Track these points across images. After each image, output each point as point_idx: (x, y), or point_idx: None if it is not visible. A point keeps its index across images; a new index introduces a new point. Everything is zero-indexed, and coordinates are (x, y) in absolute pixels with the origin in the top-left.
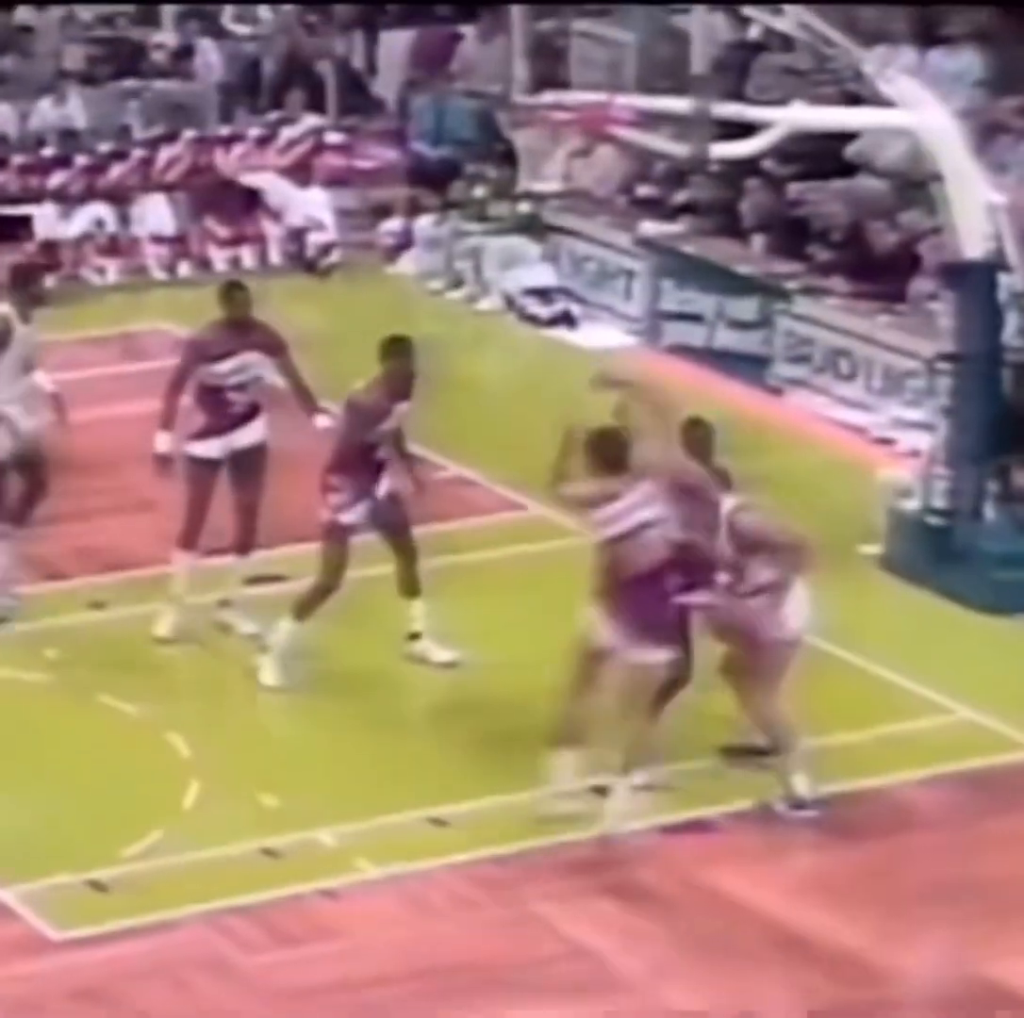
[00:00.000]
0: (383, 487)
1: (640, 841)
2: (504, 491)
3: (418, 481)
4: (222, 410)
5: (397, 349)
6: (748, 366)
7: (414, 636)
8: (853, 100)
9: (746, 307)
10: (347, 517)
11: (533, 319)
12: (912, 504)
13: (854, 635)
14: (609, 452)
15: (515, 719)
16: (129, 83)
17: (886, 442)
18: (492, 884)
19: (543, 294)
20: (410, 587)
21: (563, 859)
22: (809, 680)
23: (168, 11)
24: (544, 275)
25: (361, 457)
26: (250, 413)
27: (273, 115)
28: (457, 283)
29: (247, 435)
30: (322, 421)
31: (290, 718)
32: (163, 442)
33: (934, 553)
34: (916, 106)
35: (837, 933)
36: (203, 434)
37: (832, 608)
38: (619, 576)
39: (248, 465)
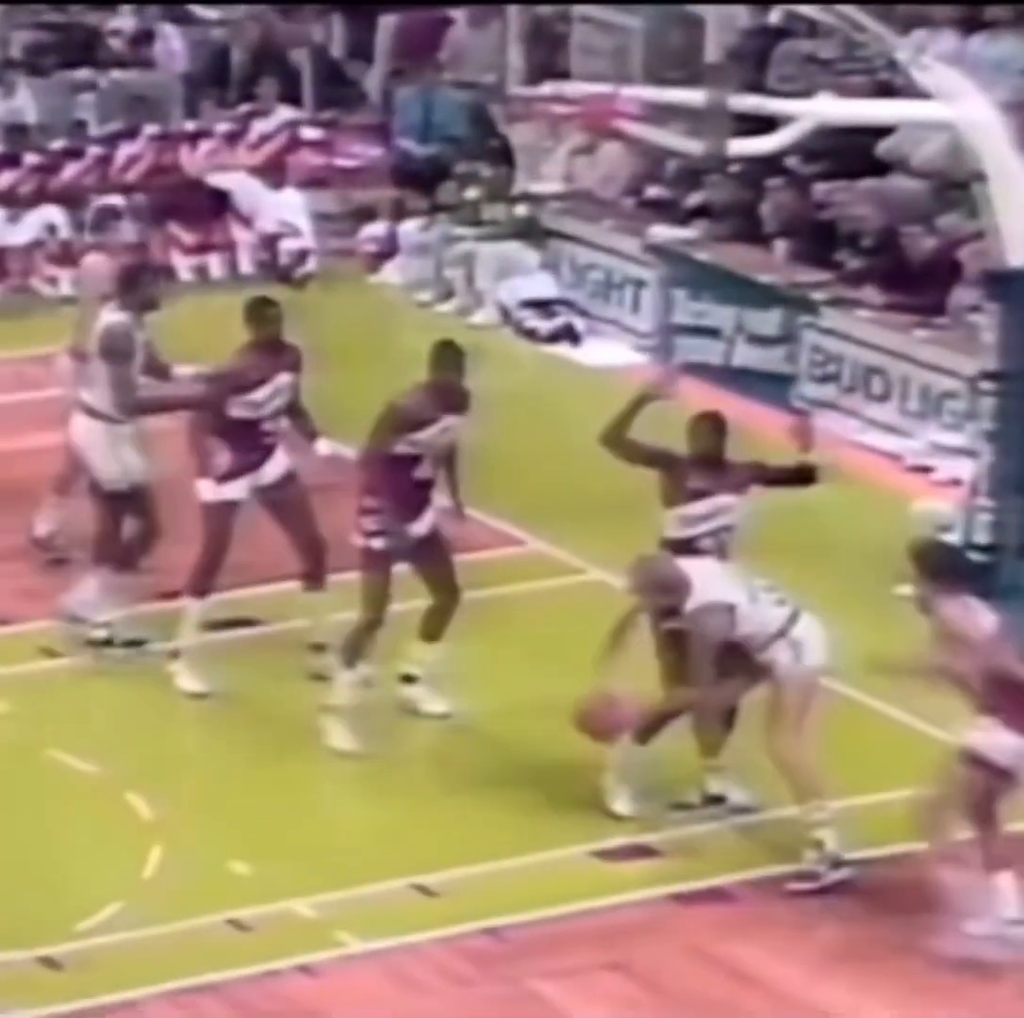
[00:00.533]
0: (426, 520)
1: (648, 911)
2: (500, 525)
3: (459, 508)
4: (255, 444)
5: (444, 357)
6: (770, 386)
7: (407, 678)
8: (886, 91)
9: (768, 320)
10: (381, 543)
11: (531, 334)
12: (952, 539)
13: (889, 684)
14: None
15: (511, 776)
16: (83, 73)
17: (923, 470)
18: (486, 959)
19: (543, 306)
20: (433, 631)
21: (565, 931)
22: (840, 732)
23: None
24: (543, 285)
25: (395, 470)
26: (276, 443)
27: (243, 108)
28: (447, 294)
29: (274, 468)
30: (322, 446)
31: (262, 776)
32: (208, 490)
33: (976, 593)
34: (955, 97)
35: (865, 1013)
36: (229, 475)
37: (865, 652)
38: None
39: (285, 498)
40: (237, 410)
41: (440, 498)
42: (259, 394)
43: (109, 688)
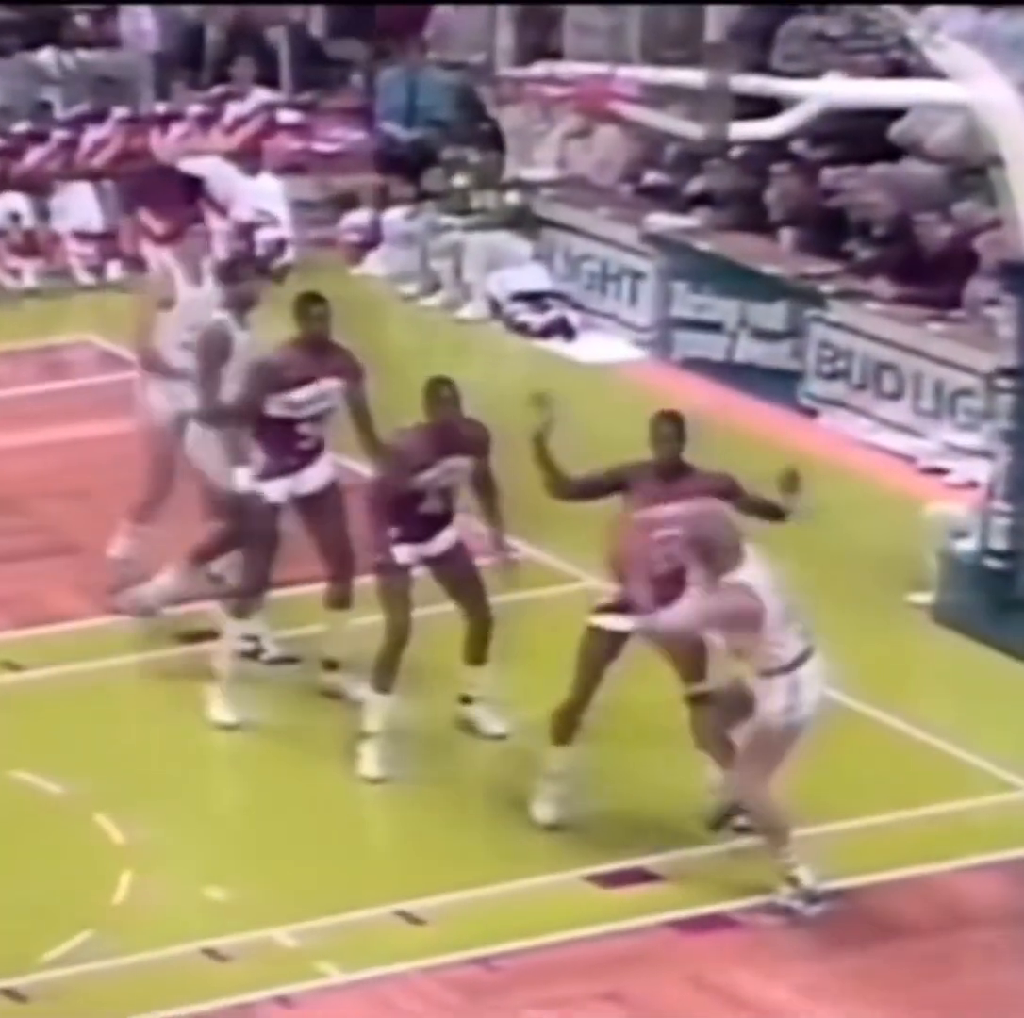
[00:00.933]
0: (440, 543)
1: (645, 939)
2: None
3: (502, 554)
4: (290, 446)
5: (439, 395)
6: (776, 383)
7: (465, 700)
8: (898, 71)
9: (773, 314)
10: (397, 557)
11: (523, 329)
12: (968, 545)
13: (901, 697)
14: None
15: (501, 798)
16: (47, 53)
17: (937, 472)
18: (475, 989)
19: (535, 300)
20: (474, 655)
21: (557, 959)
22: (848, 749)
23: None
24: (536, 277)
25: (401, 507)
26: (318, 449)
27: (217, 90)
28: (434, 287)
29: (315, 475)
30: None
31: (240, 798)
32: (244, 478)
33: (994, 602)
34: (972, 77)
35: None
36: (265, 475)
37: (876, 665)
38: None
39: (322, 508)
40: (273, 409)
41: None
42: (298, 395)
43: (76, 705)
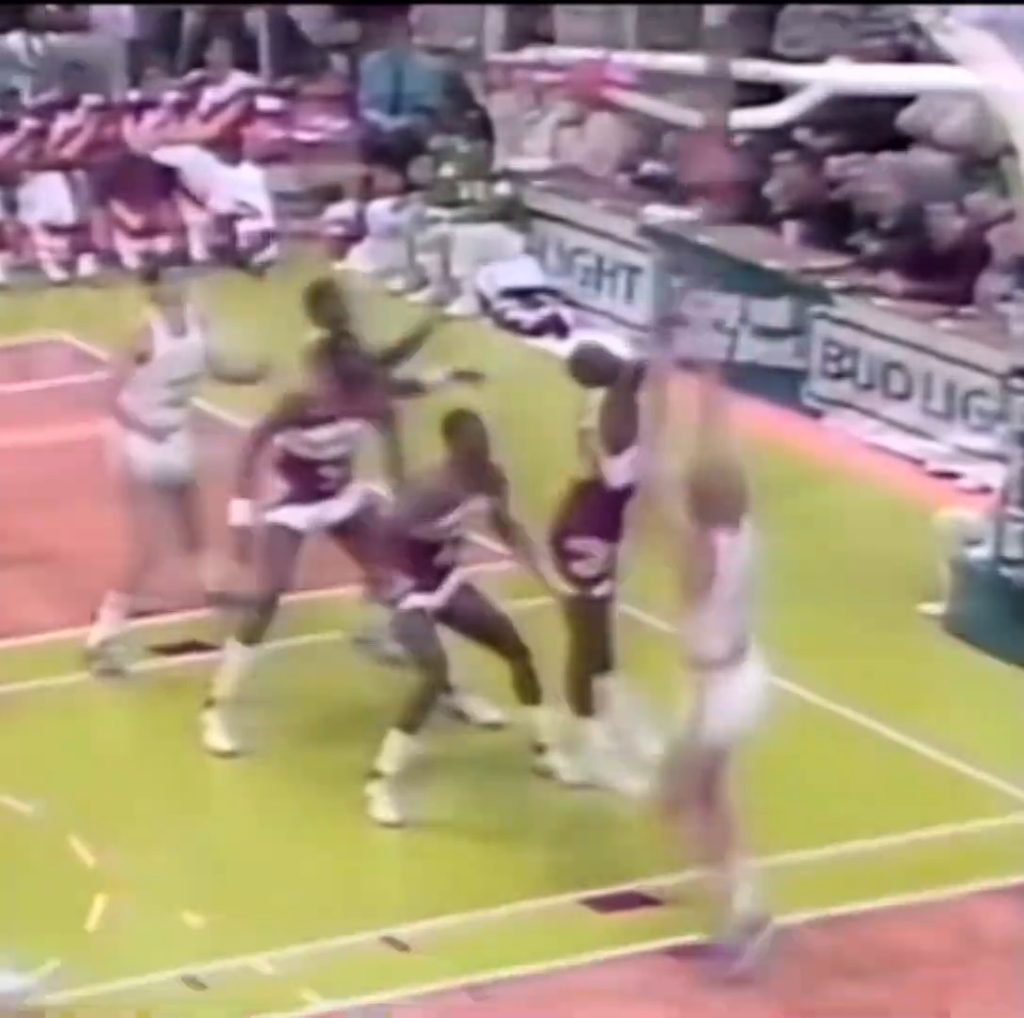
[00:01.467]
0: (449, 586)
1: (644, 966)
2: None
3: (546, 582)
4: (309, 484)
5: (463, 429)
6: (779, 383)
7: (539, 749)
8: (906, 56)
9: (776, 311)
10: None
11: (515, 326)
12: (981, 553)
13: (910, 711)
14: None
15: (492, 817)
16: (14, 38)
17: (948, 476)
18: None
19: (526, 295)
20: (527, 693)
21: (552, 988)
22: (853, 764)
23: None
24: (527, 272)
25: (413, 554)
26: (342, 484)
27: (193, 76)
28: (421, 282)
29: (342, 506)
30: None
31: (219, 818)
32: (241, 511)
33: (1008, 613)
34: (983, 63)
35: None
36: (286, 501)
37: (884, 678)
38: None
39: (356, 534)
40: (291, 444)
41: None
42: (318, 435)
43: (47, 720)
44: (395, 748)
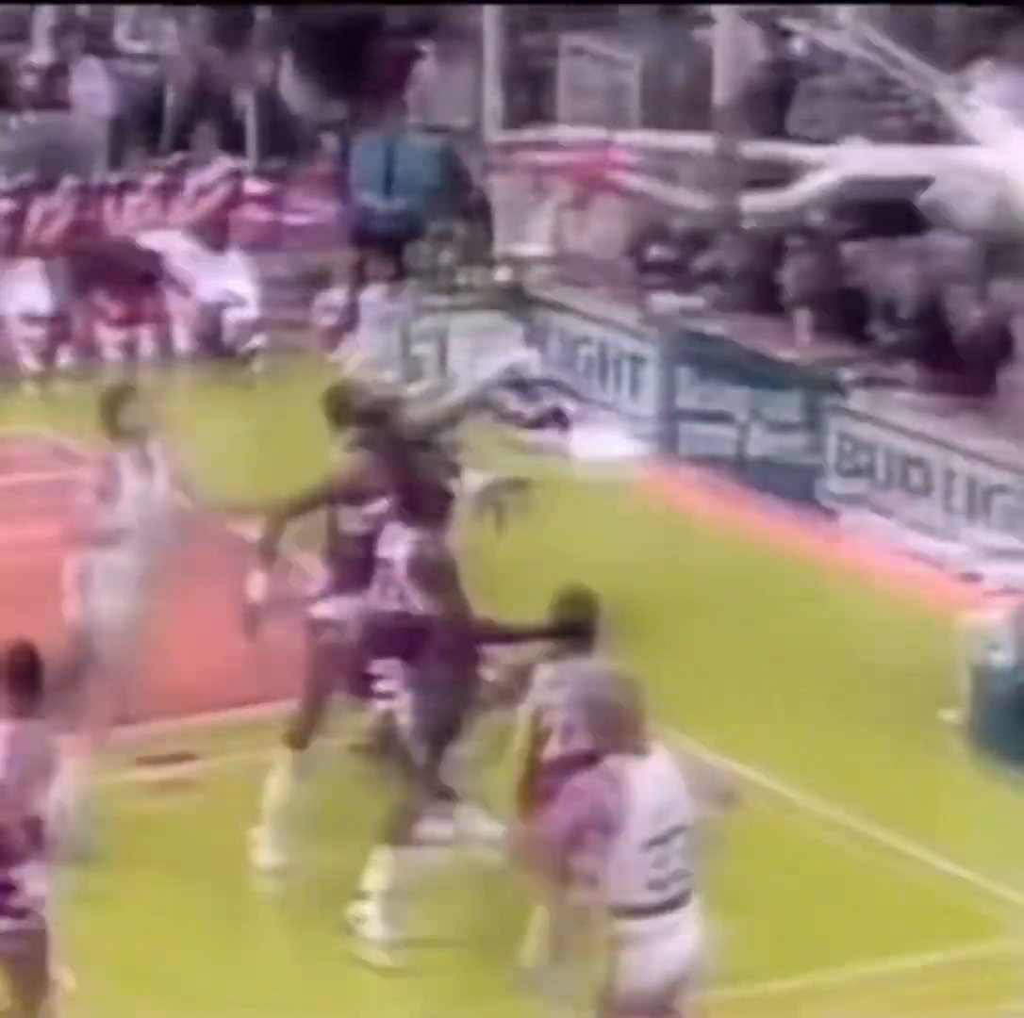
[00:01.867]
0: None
1: None
2: None
3: None
4: (354, 573)
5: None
6: (792, 480)
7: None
8: (926, 136)
9: (788, 404)
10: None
11: (514, 420)
12: (1003, 658)
13: (930, 826)
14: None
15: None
16: None
17: (970, 578)
18: None
19: (526, 388)
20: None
21: None
22: (871, 883)
23: (41, 22)
24: (528, 363)
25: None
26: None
27: (177, 157)
28: (416, 374)
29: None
30: None
31: (192, 938)
32: (257, 587)
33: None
34: (1006, 144)
35: None
36: (328, 592)
37: (903, 791)
38: None
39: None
40: (337, 523)
41: None
42: (353, 513)
43: None
44: (383, 866)
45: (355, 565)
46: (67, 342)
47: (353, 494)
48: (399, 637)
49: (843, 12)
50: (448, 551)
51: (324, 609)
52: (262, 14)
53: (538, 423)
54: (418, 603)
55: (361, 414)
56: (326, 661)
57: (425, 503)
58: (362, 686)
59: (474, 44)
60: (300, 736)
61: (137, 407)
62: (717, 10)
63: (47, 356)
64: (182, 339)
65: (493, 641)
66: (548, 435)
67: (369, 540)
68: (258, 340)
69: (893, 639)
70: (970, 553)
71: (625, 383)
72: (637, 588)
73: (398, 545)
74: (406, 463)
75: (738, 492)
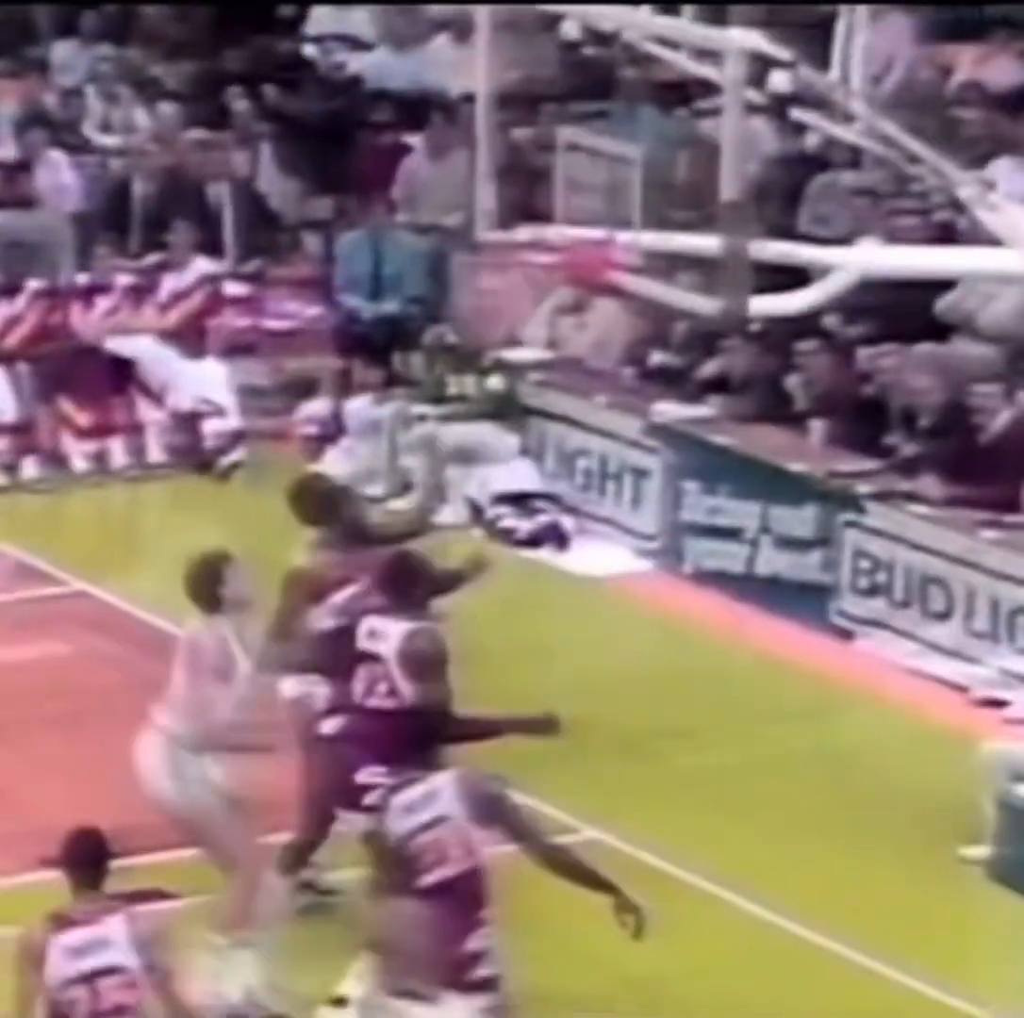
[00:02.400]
0: None
1: None
2: None
3: None
4: (331, 668)
5: None
6: (805, 599)
7: None
8: (946, 236)
9: (801, 519)
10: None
11: (508, 536)
12: None
13: (953, 969)
14: None
15: None
16: None
17: (994, 704)
18: None
19: (522, 502)
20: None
21: None
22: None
23: (3, 115)
24: (523, 476)
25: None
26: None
27: (150, 258)
28: (404, 487)
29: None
30: None
31: None
32: (292, 687)
33: None
34: None
35: None
36: (331, 710)
37: (924, 931)
38: None
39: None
40: (323, 620)
41: None
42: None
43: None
44: (356, 978)
45: (332, 662)
46: (32, 452)
47: (315, 591)
48: (387, 739)
49: (857, 103)
50: (440, 639)
51: (330, 725)
52: (239, 104)
53: (535, 540)
54: (410, 696)
55: (326, 503)
56: (330, 776)
57: (409, 591)
58: (355, 798)
59: (465, 137)
60: (299, 858)
61: (239, 575)
62: (724, 101)
63: (11, 468)
64: (155, 450)
65: (471, 736)
66: (545, 552)
67: (341, 634)
68: (237, 452)
69: (912, 769)
70: (993, 678)
71: (626, 497)
72: (634, 704)
73: (387, 639)
74: (381, 553)
75: (747, 612)
